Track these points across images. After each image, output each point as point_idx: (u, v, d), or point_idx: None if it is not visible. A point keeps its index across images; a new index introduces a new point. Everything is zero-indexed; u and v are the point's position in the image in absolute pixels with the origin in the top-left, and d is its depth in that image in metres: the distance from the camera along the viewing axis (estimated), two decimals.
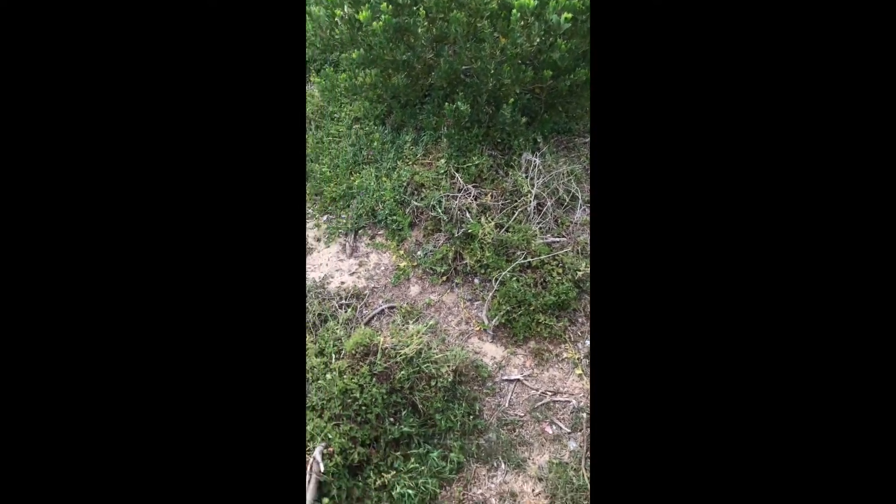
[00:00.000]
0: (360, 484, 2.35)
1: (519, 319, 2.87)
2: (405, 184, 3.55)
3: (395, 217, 3.50)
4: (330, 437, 2.33)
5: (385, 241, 3.53)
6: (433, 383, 2.65)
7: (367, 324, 3.06)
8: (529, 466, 2.60)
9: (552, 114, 3.60)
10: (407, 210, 3.53)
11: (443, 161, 3.52)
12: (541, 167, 3.44)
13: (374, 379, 2.55)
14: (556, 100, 3.41)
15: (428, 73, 3.38)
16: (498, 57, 3.03)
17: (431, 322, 3.08)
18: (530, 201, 3.31)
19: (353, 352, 2.66)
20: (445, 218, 3.33)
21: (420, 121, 3.79)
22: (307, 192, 3.75)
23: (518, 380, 2.75)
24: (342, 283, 3.34)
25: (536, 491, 2.50)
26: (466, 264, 3.28)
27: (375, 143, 3.77)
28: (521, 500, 2.47)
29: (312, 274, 3.38)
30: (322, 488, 2.24)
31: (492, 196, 3.38)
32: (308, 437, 2.36)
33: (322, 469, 2.18)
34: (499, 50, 2.98)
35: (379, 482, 2.36)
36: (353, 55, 3.15)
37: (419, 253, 3.41)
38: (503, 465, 2.64)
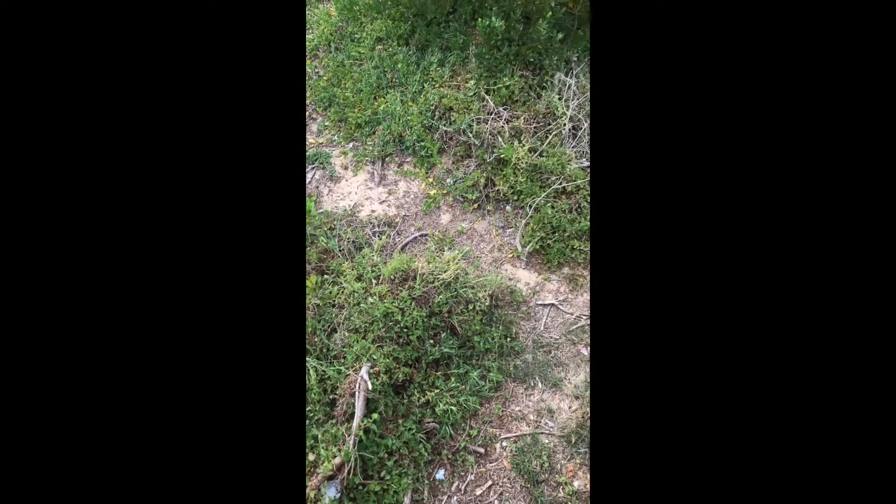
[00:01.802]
0: (405, 401, 2.43)
1: (553, 246, 2.83)
2: (433, 108, 3.41)
3: (423, 143, 3.39)
4: (375, 357, 2.38)
5: (413, 168, 3.45)
6: (471, 307, 2.66)
7: (401, 250, 3.05)
8: (566, 385, 2.67)
9: (587, 31, 3.37)
10: (435, 136, 3.41)
11: (472, 83, 3.36)
12: (575, 88, 3.27)
13: (414, 303, 2.57)
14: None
15: None
16: None
17: (466, 249, 3.03)
18: (564, 124, 3.09)
19: (392, 277, 2.66)
20: (476, 143, 3.22)
21: (446, 40, 3.58)
22: (331, 117, 3.62)
23: (553, 304, 2.75)
24: (373, 211, 3.29)
25: (573, 408, 2.58)
26: (499, 191, 3.20)
27: (400, 66, 3.59)
28: (559, 416, 2.56)
29: (342, 202, 3.33)
30: (370, 405, 2.31)
31: (524, 119, 3.22)
32: (354, 357, 2.41)
33: (370, 387, 2.24)
34: None
35: (423, 399, 2.43)
36: None
37: (449, 180, 3.34)
38: (540, 385, 2.72)
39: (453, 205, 3.28)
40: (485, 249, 3.11)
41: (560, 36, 3.15)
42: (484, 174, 3.17)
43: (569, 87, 3.24)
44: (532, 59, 3.31)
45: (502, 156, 3.10)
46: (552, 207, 2.98)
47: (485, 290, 2.61)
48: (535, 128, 3.21)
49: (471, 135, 3.19)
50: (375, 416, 2.21)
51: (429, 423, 2.39)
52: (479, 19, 3.09)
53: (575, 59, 3.34)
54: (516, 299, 2.81)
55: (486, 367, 2.62)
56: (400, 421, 2.32)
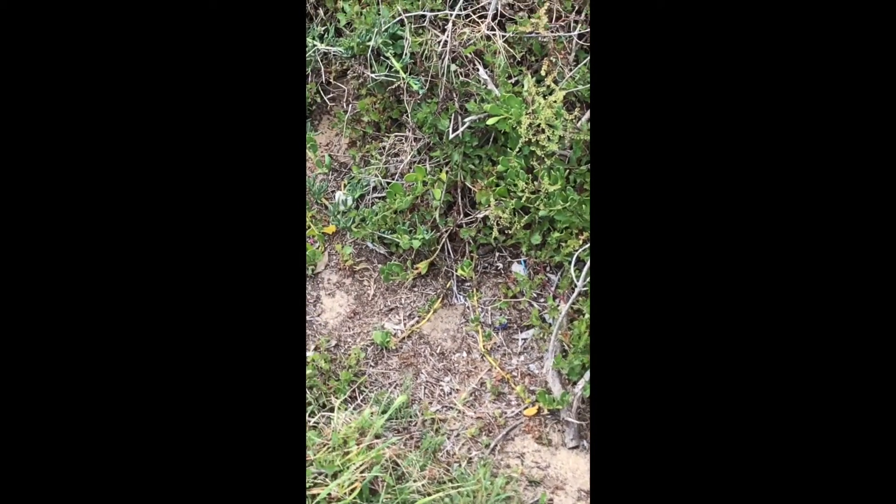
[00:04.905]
0: None
1: None
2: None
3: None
4: None
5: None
6: None
7: None
8: None
9: None
10: (312, 82, 1.47)
11: None
12: None
13: None
14: None
15: None
16: None
17: (401, 397, 1.29)
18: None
19: None
20: (417, 84, 1.28)
21: None
22: None
23: None
24: None
25: None
26: (487, 221, 1.30)
27: None
28: None
29: None
30: None
31: (549, 16, 1.29)
32: None
33: None
34: None
35: None
36: None
37: (340, 196, 1.44)
38: None
39: (362, 265, 1.43)
40: (460, 393, 1.30)
41: None
42: (445, 175, 1.28)
43: None
44: None
45: (492, 123, 1.19)
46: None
47: None
48: (578, 38, 1.30)
49: (397, 61, 1.23)
50: None
51: None
52: None
53: None
54: None
55: None
56: None
